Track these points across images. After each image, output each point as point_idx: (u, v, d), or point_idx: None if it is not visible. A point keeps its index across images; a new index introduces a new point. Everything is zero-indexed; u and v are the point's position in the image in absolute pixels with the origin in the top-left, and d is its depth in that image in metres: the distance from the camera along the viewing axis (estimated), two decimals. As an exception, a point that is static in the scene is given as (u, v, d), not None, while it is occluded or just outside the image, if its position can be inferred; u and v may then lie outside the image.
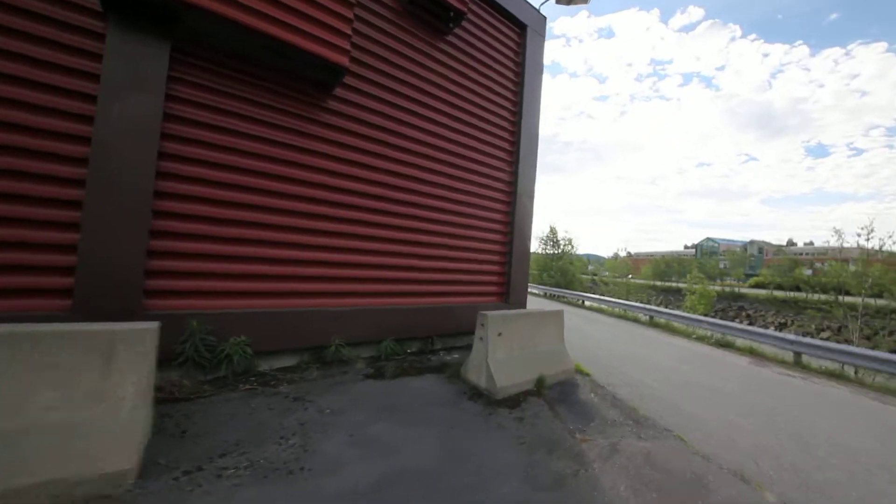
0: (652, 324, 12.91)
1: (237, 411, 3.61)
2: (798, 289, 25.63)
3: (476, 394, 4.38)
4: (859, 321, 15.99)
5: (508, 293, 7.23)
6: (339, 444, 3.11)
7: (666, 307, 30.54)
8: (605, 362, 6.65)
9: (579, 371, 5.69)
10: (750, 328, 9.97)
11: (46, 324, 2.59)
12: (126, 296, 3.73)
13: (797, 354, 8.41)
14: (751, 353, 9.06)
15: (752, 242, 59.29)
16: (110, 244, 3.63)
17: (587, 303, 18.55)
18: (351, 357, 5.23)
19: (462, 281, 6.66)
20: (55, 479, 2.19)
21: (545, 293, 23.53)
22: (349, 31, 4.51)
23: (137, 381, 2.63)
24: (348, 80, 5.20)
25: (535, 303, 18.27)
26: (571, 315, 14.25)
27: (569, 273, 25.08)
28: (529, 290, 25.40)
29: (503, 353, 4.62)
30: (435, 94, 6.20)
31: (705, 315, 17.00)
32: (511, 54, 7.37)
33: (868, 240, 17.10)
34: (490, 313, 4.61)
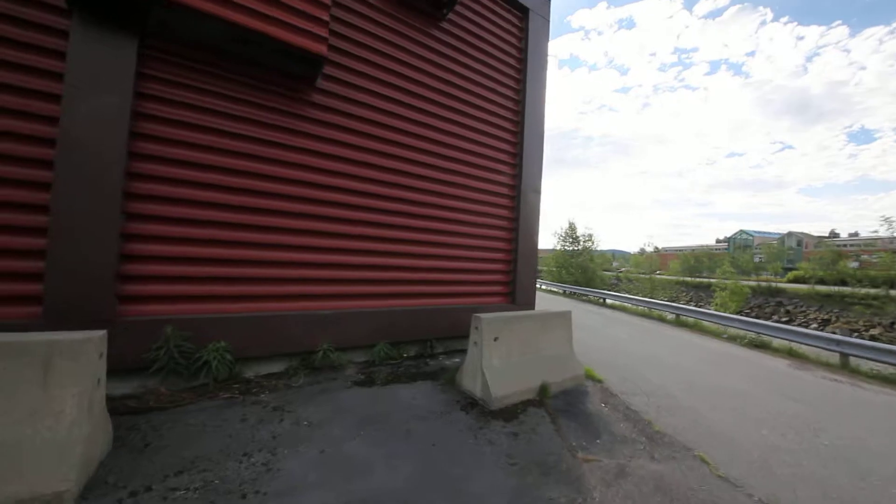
0: (679, 323, 12.08)
1: (210, 422, 3.39)
2: (843, 283, 23.63)
3: (470, 403, 4.01)
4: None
5: (515, 293, 6.79)
6: (307, 463, 2.82)
7: (696, 304, 29.05)
8: (621, 366, 6.10)
9: (590, 377, 5.20)
10: (788, 327, 9.06)
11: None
12: (98, 301, 3.58)
13: (844, 356, 7.53)
14: (790, 354, 8.21)
15: (789, 234, 55.67)
16: (80, 248, 3.49)
17: (609, 301, 17.71)
18: (342, 362, 4.97)
19: (464, 281, 6.28)
20: (-23, 505, 2.00)
21: (564, 291, 22.73)
22: (326, 18, 4.23)
23: (79, 394, 2.42)
24: (333, 72, 4.94)
25: (553, 301, 17.63)
26: (591, 314, 13.58)
27: (589, 270, 24.11)
28: (549, 288, 24.75)
29: (500, 360, 4.22)
30: (430, 84, 5.86)
31: (737, 313, 15.83)
32: (513, 40, 6.93)
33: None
34: (485, 316, 4.22)
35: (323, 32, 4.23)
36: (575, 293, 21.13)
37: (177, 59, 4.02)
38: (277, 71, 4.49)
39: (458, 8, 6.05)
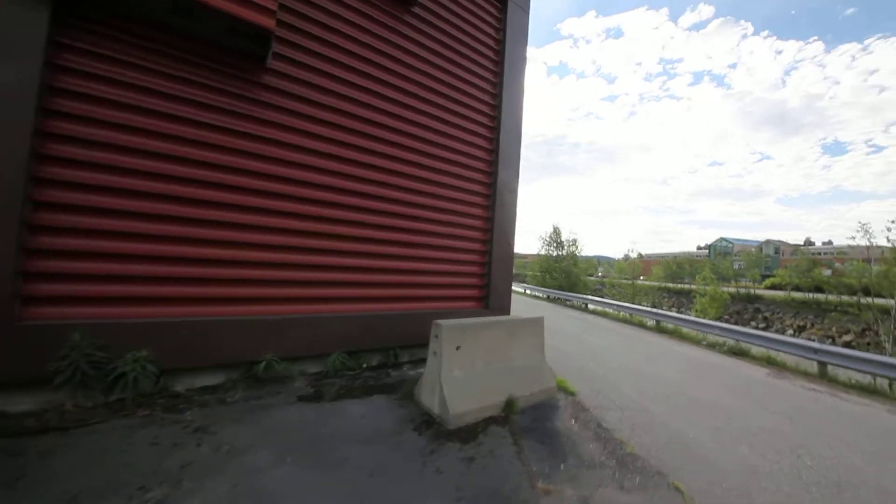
0: (659, 329, 11.92)
1: (115, 446, 2.90)
2: (819, 290, 24.14)
3: (427, 422, 3.59)
4: (894, 326, 14.58)
5: (488, 298, 6.42)
6: (212, 501, 2.35)
7: (678, 310, 29.28)
8: (598, 377, 5.77)
9: (563, 389, 4.85)
10: (767, 334, 8.92)
11: None
12: (-8, 303, 3.04)
13: (822, 365, 7.39)
14: (768, 362, 8.05)
15: (767, 242, 57.11)
16: (-35, 241, 2.95)
17: (591, 306, 17.54)
18: (292, 374, 4.49)
19: (433, 284, 5.87)
20: None
21: (548, 296, 22.54)
22: (274, -12, 3.80)
23: None
24: (291, 53, 4.50)
25: (535, 306, 17.35)
26: (572, 320, 13.33)
27: (573, 275, 24.00)
28: (533, 293, 24.52)
29: (462, 371, 3.82)
30: (400, 73, 5.46)
31: (717, 319, 15.83)
32: (490, 31, 6.60)
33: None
34: (445, 322, 3.82)
35: (270, 4, 3.79)
36: (558, 298, 20.94)
37: (101, 28, 3.53)
38: (221, 47, 4.02)
39: (430, -6, 5.69)
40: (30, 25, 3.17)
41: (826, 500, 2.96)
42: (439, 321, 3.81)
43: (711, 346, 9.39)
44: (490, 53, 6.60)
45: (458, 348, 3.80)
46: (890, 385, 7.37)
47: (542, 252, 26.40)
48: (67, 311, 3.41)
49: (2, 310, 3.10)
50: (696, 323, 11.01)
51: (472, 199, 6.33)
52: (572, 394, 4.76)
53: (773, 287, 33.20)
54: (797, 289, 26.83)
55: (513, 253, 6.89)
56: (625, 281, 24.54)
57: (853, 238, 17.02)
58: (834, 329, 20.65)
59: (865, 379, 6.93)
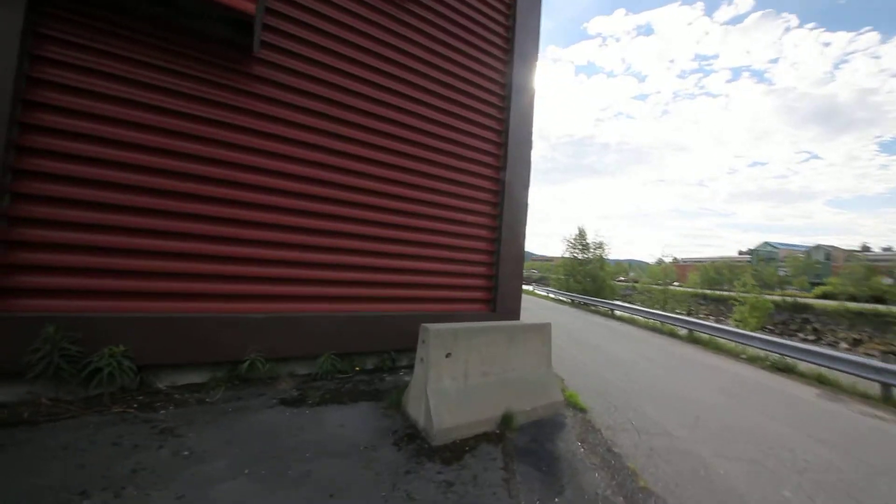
0: (691, 339, 10.99)
1: (76, 444, 2.74)
2: (878, 300, 21.74)
3: (410, 435, 3.23)
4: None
5: (496, 300, 5.99)
6: (151, 517, 2.11)
7: (715, 319, 27.37)
8: (616, 392, 5.21)
9: (573, 405, 4.35)
10: (818, 349, 7.90)
11: None
12: (-37, 294, 2.98)
13: (886, 387, 6.40)
14: (819, 381, 7.11)
15: (817, 247, 52.63)
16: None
17: (618, 312, 16.59)
18: (279, 374, 4.28)
19: (435, 285, 5.52)
20: None
21: (572, 300, 21.64)
22: (256, -34, 3.59)
23: None
24: (281, 41, 4.31)
25: (556, 311, 16.60)
26: (595, 327, 12.55)
27: (599, 279, 22.90)
28: (556, 296, 23.63)
29: (453, 381, 3.43)
30: (400, 62, 5.17)
31: (759, 329, 14.46)
32: (499, 17, 6.19)
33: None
34: (434, 326, 3.45)
35: (252, -13, 3.58)
36: (583, 303, 20.03)
37: (81, 18, 3.44)
38: (204, 35, 3.85)
39: (434, -24, 5.37)
40: (5, 15, 3.10)
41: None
42: (427, 325, 3.45)
43: (751, 360, 8.47)
44: (499, 41, 6.19)
45: (448, 355, 3.42)
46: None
47: (567, 255, 25.42)
48: (44, 304, 3.33)
49: (-20, 300, 3.04)
50: (734, 333, 10.02)
51: (479, 196, 5.93)
52: (583, 410, 4.26)
53: (824, 296, 30.52)
54: (852, 298, 24.36)
55: (523, 253, 6.42)
56: (656, 286, 23.10)
57: (923, 243, 15.13)
58: (898, 344, 18.46)
59: (941, 406, 5.92)
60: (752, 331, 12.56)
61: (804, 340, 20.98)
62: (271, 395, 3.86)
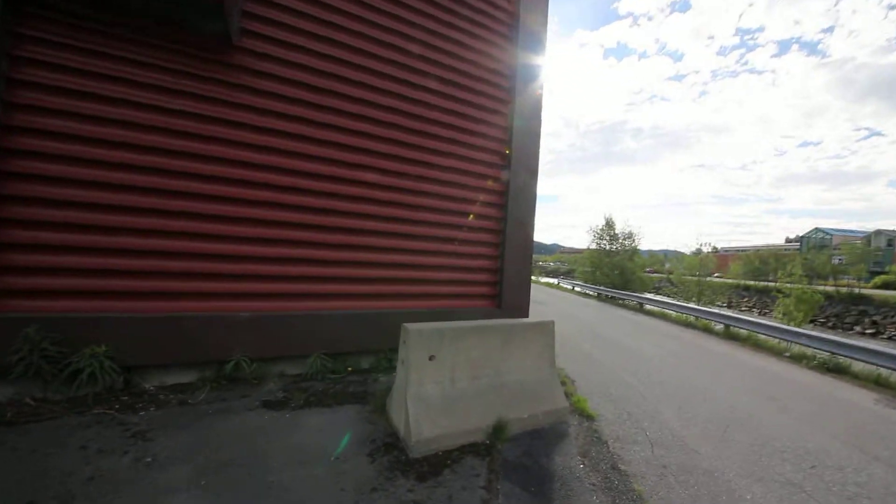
0: (728, 335, 10.09)
1: (43, 448, 2.70)
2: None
3: (389, 444, 2.98)
4: None
5: (501, 295, 5.61)
6: (88, 535, 1.97)
7: (759, 311, 25.38)
8: (632, 396, 4.73)
9: (580, 411, 3.94)
10: (878, 348, 6.94)
11: None
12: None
13: (963, 393, 5.51)
14: (877, 384, 6.24)
15: (878, 233, 47.74)
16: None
17: (648, 306, 15.64)
18: (267, 375, 4.15)
19: (433, 280, 5.22)
20: None
21: (598, 294, 20.71)
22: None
23: None
24: (260, 28, 4.09)
25: (579, 305, 15.88)
26: (620, 321, 11.83)
27: (627, 271, 21.72)
28: (582, 289, 22.70)
29: (436, 386, 3.14)
30: (401, 46, 4.84)
31: (809, 323, 13.09)
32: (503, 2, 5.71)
33: None
34: (415, 326, 3.16)
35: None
36: (611, 296, 19.09)
37: (58, 16, 3.37)
38: (176, 26, 3.69)
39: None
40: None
41: None
42: (407, 324, 3.16)
43: (796, 359, 7.62)
44: (504, 17, 5.71)
45: (431, 358, 3.12)
46: None
47: (593, 246, 24.33)
48: (27, 305, 3.32)
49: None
50: (776, 329, 9.08)
51: (482, 184, 5.54)
52: (590, 418, 3.84)
53: (885, 286, 27.58)
54: (922, 289, 21.81)
55: (532, 245, 5.99)
56: (689, 277, 21.61)
57: None
58: (977, 341, 16.32)
59: None
60: (797, 325, 11.40)
61: (861, 335, 19.04)
62: (256, 397, 3.72)
